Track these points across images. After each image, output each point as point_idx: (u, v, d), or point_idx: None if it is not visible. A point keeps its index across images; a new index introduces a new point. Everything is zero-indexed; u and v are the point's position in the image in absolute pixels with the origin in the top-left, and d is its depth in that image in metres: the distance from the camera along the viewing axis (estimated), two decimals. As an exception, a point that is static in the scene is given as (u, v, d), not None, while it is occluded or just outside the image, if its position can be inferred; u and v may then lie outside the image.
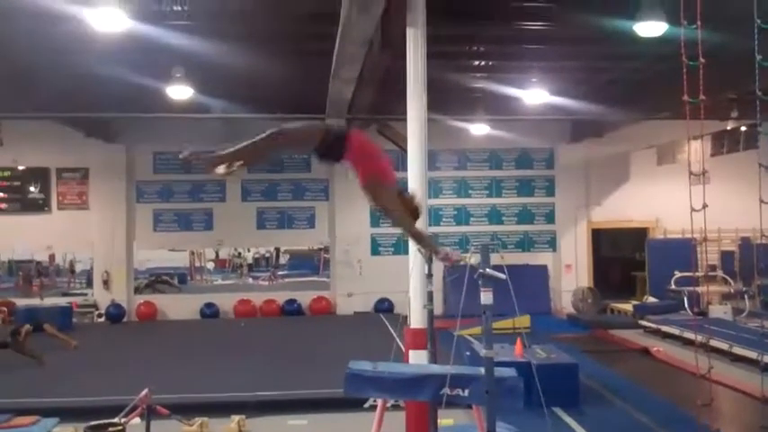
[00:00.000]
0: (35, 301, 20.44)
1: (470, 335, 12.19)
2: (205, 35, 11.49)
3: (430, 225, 8.42)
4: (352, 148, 5.07)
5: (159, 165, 21.19)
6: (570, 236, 21.83)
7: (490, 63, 14.56)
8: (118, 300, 20.63)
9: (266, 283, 28.73)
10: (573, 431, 8.67)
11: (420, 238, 5.66)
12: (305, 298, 21.57)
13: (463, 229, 21.55)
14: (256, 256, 34.57)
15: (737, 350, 13.17)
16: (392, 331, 15.08)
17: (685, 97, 7.77)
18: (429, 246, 5.63)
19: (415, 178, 8.02)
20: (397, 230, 5.74)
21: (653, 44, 11.35)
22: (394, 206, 5.19)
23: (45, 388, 11.40)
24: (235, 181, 21.25)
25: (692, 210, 7.84)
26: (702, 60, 7.60)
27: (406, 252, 8.37)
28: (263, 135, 5.08)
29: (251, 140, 5.14)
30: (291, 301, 21.37)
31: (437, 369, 5.96)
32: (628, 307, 19.51)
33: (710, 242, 17.02)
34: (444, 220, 21.52)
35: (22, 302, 19.43)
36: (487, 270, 4.57)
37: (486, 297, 4.62)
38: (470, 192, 21.82)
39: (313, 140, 5.08)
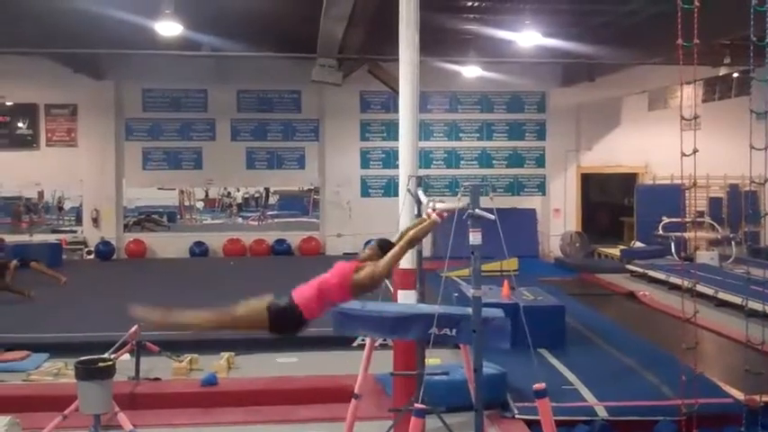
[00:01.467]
0: (24, 238, 20.41)
1: (458, 276, 12.30)
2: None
3: (420, 167, 8.40)
4: (306, 307, 4.92)
5: (148, 102, 21.01)
6: (560, 180, 21.87)
7: (483, 4, 14.43)
8: (107, 237, 20.63)
9: (256, 223, 28.78)
10: (559, 372, 8.78)
11: (416, 239, 5.43)
12: (294, 238, 21.63)
13: (453, 171, 21.54)
14: (246, 196, 34.55)
15: (723, 295, 13.35)
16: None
17: (679, 41, 7.72)
18: (424, 233, 5.39)
19: (406, 120, 7.97)
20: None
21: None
22: (380, 270, 5.06)
23: (35, 324, 11.48)
24: (224, 120, 21.13)
25: (682, 155, 7.85)
26: (697, 3, 7.54)
27: (396, 194, 8.37)
28: (211, 317, 5.01)
29: (198, 315, 5.06)
30: (281, 241, 21.43)
31: (425, 308, 6.03)
32: (615, 251, 19.69)
33: (699, 188, 17.07)
34: (435, 162, 21.50)
35: (11, 239, 19.39)
36: (476, 211, 4.59)
37: (474, 238, 4.66)
38: (461, 135, 21.76)
39: (261, 323, 4.98)
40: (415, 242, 5.39)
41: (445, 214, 5.08)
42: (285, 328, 4.88)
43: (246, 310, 5.02)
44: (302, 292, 4.89)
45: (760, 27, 7.65)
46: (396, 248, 5.03)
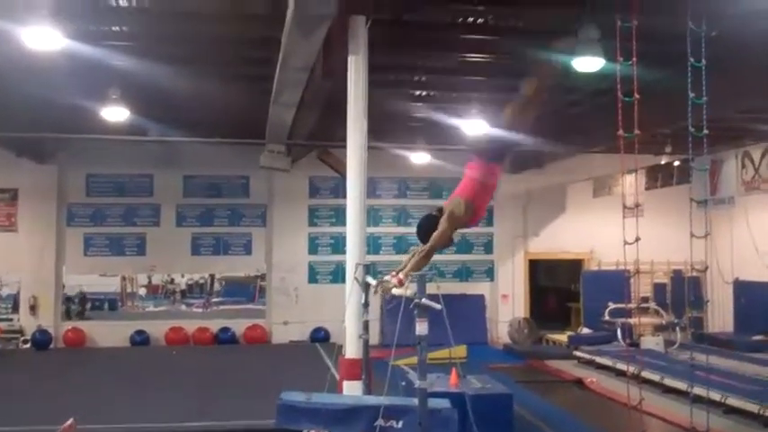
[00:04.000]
0: (-42, 326, 19.70)
1: (406, 365, 12.10)
2: (144, 57, 11.28)
3: (369, 253, 8.35)
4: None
5: (92, 187, 20.71)
6: (508, 266, 21.96)
7: (432, 93, 14.65)
8: (45, 325, 20.00)
9: (200, 310, 28.20)
10: (507, 463, 8.62)
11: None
12: (239, 326, 21.25)
13: (403, 257, 21.38)
14: (190, 282, 33.95)
15: (668, 381, 13.34)
16: (327, 361, 14.94)
17: (620, 132, 7.87)
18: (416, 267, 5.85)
19: (353, 206, 7.95)
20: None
21: (590, 79, 11.53)
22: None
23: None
24: (170, 205, 20.91)
25: (626, 242, 7.92)
26: (637, 96, 7.72)
27: (343, 281, 8.28)
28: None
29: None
30: (225, 330, 21.04)
31: (371, 400, 5.86)
32: (563, 338, 19.68)
33: (643, 274, 17.32)
34: (384, 248, 21.46)
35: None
36: (423, 300, 4.51)
37: (421, 327, 4.56)
38: (410, 220, 21.80)
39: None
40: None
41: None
42: None
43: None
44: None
45: (698, 118, 7.86)
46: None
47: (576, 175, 20.61)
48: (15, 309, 20.87)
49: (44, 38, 9.48)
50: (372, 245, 19.91)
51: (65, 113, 14.74)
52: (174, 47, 11.28)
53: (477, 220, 6.53)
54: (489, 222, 22.03)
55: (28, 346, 19.88)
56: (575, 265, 22.48)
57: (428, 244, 6.22)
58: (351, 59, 8.25)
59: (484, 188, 6.44)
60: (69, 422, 8.32)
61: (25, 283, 20.42)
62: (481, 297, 21.73)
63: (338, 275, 20.11)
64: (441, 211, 6.38)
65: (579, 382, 14.88)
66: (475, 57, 12.09)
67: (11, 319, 20.72)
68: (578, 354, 17.49)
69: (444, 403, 5.57)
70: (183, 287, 33.65)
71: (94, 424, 9.27)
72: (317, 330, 20.39)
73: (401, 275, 5.63)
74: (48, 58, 10.68)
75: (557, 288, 24.55)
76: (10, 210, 20.33)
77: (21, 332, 20.14)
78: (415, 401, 4.89)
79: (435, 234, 6.26)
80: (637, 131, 7.72)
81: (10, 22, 9.36)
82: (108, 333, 20.89)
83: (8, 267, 20.47)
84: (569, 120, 15.98)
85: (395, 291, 5.15)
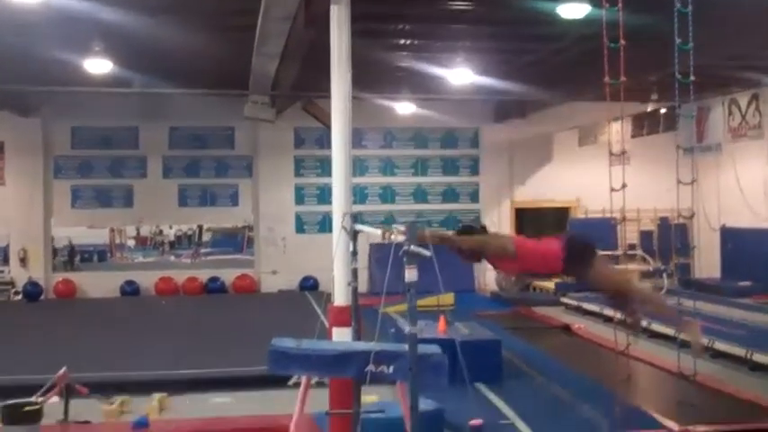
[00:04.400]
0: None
1: (396, 312, 12.25)
2: (126, 7, 11.16)
3: (355, 203, 8.40)
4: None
5: (77, 140, 20.66)
6: (494, 215, 22.08)
7: (416, 42, 14.55)
8: (35, 277, 20.09)
9: (188, 260, 28.37)
10: (495, 406, 8.78)
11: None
12: (228, 276, 21.37)
13: (389, 207, 21.61)
14: (178, 233, 34.09)
15: (655, 327, 13.52)
16: (317, 309, 15.09)
17: (606, 79, 7.88)
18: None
19: (339, 156, 7.96)
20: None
21: (575, 25, 11.51)
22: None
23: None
24: (156, 157, 20.87)
25: (612, 189, 7.99)
26: (623, 42, 7.71)
27: (331, 230, 8.33)
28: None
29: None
30: (214, 279, 21.16)
31: (361, 346, 5.95)
32: (550, 285, 19.87)
33: (630, 222, 17.41)
34: (370, 198, 21.53)
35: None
36: (412, 247, 4.57)
37: (410, 274, 4.62)
38: (396, 170, 21.87)
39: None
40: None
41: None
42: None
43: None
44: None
45: (685, 64, 7.88)
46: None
47: (562, 124, 20.65)
48: (6, 261, 20.99)
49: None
50: (359, 195, 19.99)
51: (48, 66, 14.60)
52: (157, -3, 11.17)
53: (496, 267, 6.62)
54: (474, 172, 22.12)
55: (19, 297, 20.00)
56: (561, 214, 22.60)
57: (457, 237, 6.29)
58: (333, 8, 8.17)
59: (536, 263, 6.51)
60: (62, 371, 8.41)
61: (14, 235, 20.46)
62: (468, 245, 21.85)
63: (325, 225, 20.18)
64: (484, 228, 6.45)
65: (566, 328, 15.08)
66: (459, 4, 12.02)
67: (2, 271, 20.86)
68: (565, 300, 17.71)
69: (435, 349, 5.66)
70: (172, 238, 33.86)
71: (87, 372, 9.36)
72: (306, 279, 20.55)
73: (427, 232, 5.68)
74: (29, 10, 10.58)
75: (544, 236, 24.67)
76: (-4, 163, 20.29)
77: (12, 284, 20.27)
78: (406, 347, 4.98)
79: (466, 238, 6.28)
80: (623, 78, 7.74)
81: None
82: (98, 284, 20.99)
83: (-3, 220, 20.51)
84: (554, 68, 15.95)
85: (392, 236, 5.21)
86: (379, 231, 5.24)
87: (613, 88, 7.77)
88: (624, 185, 7.74)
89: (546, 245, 6.65)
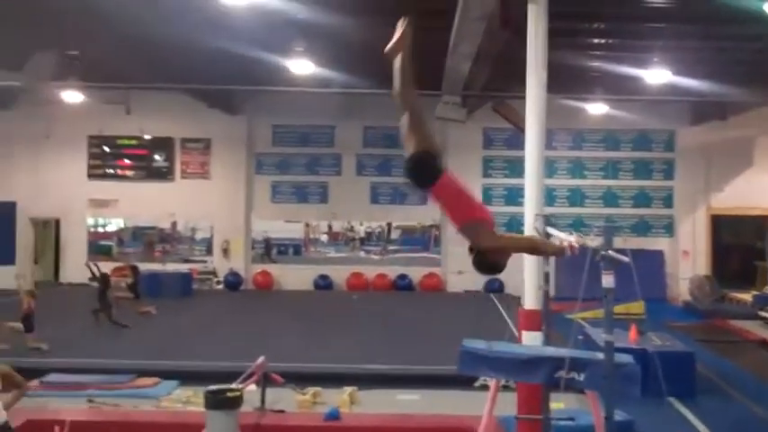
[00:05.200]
0: (157, 267, 21.24)
1: (582, 318, 12.04)
2: (327, 8, 11.61)
3: (546, 206, 8.31)
4: (441, 184, 4.83)
5: (278, 137, 21.71)
6: (689, 221, 21.20)
7: (610, 41, 14.21)
8: (236, 268, 21.31)
9: (377, 257, 29.01)
10: (689, 423, 8.46)
11: (540, 252, 5.47)
12: (416, 274, 21.74)
13: (577, 210, 21.21)
14: (368, 230, 34.95)
15: None
16: (503, 311, 15.04)
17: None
18: (552, 252, 5.35)
19: (532, 158, 7.92)
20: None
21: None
22: (497, 244, 4.95)
23: (166, 351, 11.89)
24: (350, 155, 21.54)
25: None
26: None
27: (518, 232, 8.31)
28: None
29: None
30: (403, 276, 21.59)
31: (553, 351, 5.91)
32: (747, 297, 18.83)
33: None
34: (558, 200, 21.22)
35: (144, 267, 20.24)
36: (610, 252, 4.49)
37: (607, 280, 4.54)
38: (585, 173, 21.43)
39: (420, 139, 4.88)
40: (532, 250, 5.38)
41: (577, 251, 4.97)
42: (416, 169, 4.78)
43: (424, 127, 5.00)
44: (448, 179, 4.74)
45: None
46: (514, 238, 5.11)
47: (764, 128, 19.50)
48: (209, 252, 22.30)
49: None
50: (548, 197, 19.71)
51: (253, 67, 15.43)
52: (356, -1, 11.53)
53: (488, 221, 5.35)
54: (669, 176, 21.33)
55: (221, 287, 21.23)
56: (761, 222, 21.32)
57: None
58: (531, 8, 8.12)
59: (459, 200, 5.31)
60: (261, 360, 8.85)
61: (218, 227, 21.83)
62: (660, 252, 21.10)
63: (512, 226, 20.04)
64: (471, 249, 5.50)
65: (764, 343, 14.26)
66: (657, 2, 11.65)
67: (205, 261, 22.20)
68: (764, 314, 16.72)
69: (628, 358, 5.54)
70: (362, 234, 34.77)
71: (283, 362, 9.79)
72: (492, 281, 20.50)
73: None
74: (236, 13, 11.23)
75: (741, 245, 23.37)
76: (204, 158, 21.67)
77: (214, 273, 21.58)
78: (599, 355, 4.91)
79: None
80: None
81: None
82: (293, 277, 21.98)
83: (202, 213, 21.90)
84: (757, 67, 15.08)
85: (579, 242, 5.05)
86: (573, 238, 5.08)
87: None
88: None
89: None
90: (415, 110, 4.91)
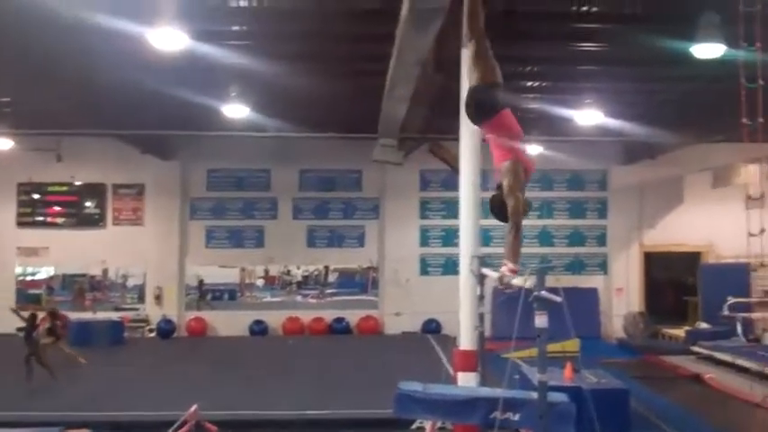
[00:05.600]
0: (87, 315, 20.69)
1: (519, 358, 12.07)
2: (262, 55, 11.63)
3: (482, 246, 8.37)
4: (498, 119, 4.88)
5: (213, 182, 21.51)
6: (622, 259, 21.56)
7: (544, 84, 14.49)
8: (169, 315, 20.89)
9: (314, 300, 28.77)
10: (624, 459, 8.51)
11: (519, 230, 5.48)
12: (353, 317, 21.62)
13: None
14: (305, 273, 34.68)
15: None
16: (440, 353, 15.03)
17: (744, 119, 7.66)
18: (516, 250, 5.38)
19: (467, 199, 8.00)
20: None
21: (710, 66, 11.19)
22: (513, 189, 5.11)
23: (97, 401, 11.56)
24: (286, 199, 21.45)
25: (749, 234, 7.71)
26: (761, 82, 7.49)
27: (456, 273, 8.33)
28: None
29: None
30: (339, 320, 21.45)
31: (488, 392, 5.91)
32: (680, 332, 19.18)
33: (766, 267, 16.71)
34: (495, 240, 21.37)
35: (74, 316, 19.72)
36: (543, 292, 4.53)
37: (540, 320, 4.58)
38: (521, 213, 21.65)
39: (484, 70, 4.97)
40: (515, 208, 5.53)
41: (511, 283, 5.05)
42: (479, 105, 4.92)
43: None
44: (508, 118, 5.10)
45: (828, 105, 7.57)
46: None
47: (693, 166, 20.04)
48: (141, 299, 21.85)
49: (170, 38, 9.94)
50: (484, 237, 19.81)
51: (187, 111, 15.27)
52: (291, 44, 11.57)
53: (530, 171, 5.63)
54: (602, 215, 21.71)
55: (153, 334, 20.77)
56: (692, 259, 21.81)
57: (510, 221, 5.56)
58: (464, 52, 8.27)
59: (511, 139, 5.49)
60: (193, 408, 8.68)
61: (151, 274, 21.39)
62: (594, 290, 21.40)
63: (449, 267, 20.20)
64: (500, 187, 5.63)
65: (698, 378, 14.49)
66: (590, 46, 11.91)
67: (137, 309, 21.72)
68: (696, 349, 17.03)
69: (562, 397, 5.57)
70: (299, 278, 34.45)
71: (216, 410, 9.61)
72: (429, 322, 20.54)
73: (511, 265, 5.37)
74: (172, 59, 11.15)
75: (673, 282, 23.86)
76: (137, 204, 21.33)
77: (146, 321, 21.10)
78: (533, 395, 4.92)
79: (512, 208, 5.50)
80: (761, 119, 7.50)
81: (138, 23, 9.84)
82: (228, 322, 21.65)
83: (134, 259, 21.46)
84: (686, 109, 15.54)
85: (514, 281, 5.11)
86: (505, 269, 5.11)
87: (750, 129, 7.53)
88: (763, 230, 7.47)
89: (491, 139, 5.76)
90: (481, 40, 5.03)
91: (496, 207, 5.39)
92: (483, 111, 5.08)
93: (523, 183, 5.32)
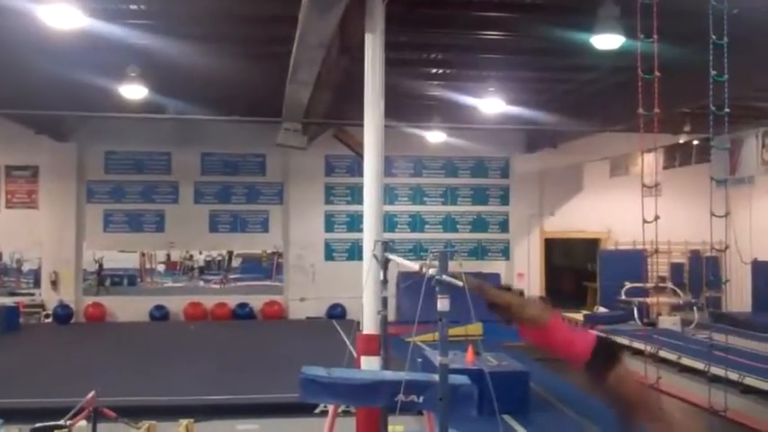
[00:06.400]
0: (-20, 301, 19.95)
1: (423, 341, 12.18)
2: (162, 35, 11.34)
3: (385, 231, 8.39)
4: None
5: (111, 164, 20.87)
6: (523, 245, 21.99)
7: (448, 71, 14.62)
8: (66, 300, 20.24)
9: (217, 286, 28.47)
10: (523, 439, 8.70)
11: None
12: (257, 302, 21.40)
13: (417, 236, 21.59)
14: (208, 259, 34.25)
15: (685, 361, 13.37)
16: (344, 337, 15.03)
17: (640, 110, 7.87)
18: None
19: (370, 184, 7.98)
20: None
21: (609, 57, 11.48)
22: None
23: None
24: (188, 183, 21.04)
25: (644, 221, 7.94)
26: (657, 74, 7.71)
27: (360, 258, 8.33)
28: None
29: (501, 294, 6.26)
30: (243, 305, 21.20)
31: (392, 375, 5.93)
32: (578, 316, 19.69)
33: (661, 254, 17.27)
34: (399, 226, 21.52)
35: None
36: (445, 277, 4.55)
37: (442, 304, 4.60)
38: (425, 199, 21.87)
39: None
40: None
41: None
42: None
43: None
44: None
45: (719, 96, 7.84)
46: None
47: (592, 155, 20.58)
48: (37, 284, 21.17)
49: (64, 16, 9.55)
50: (388, 223, 19.97)
51: (84, 91, 14.80)
52: (193, 25, 11.34)
53: (521, 332, 6.46)
54: (505, 201, 22.08)
55: (50, 320, 20.12)
56: (591, 245, 22.48)
57: (494, 290, 6.27)
58: (368, 37, 8.24)
59: (559, 349, 6.35)
60: (91, 395, 8.43)
61: (46, 258, 20.67)
62: (497, 275, 21.73)
63: (354, 253, 20.23)
64: (510, 288, 6.41)
65: (595, 360, 14.88)
66: (492, 34, 12.06)
67: (32, 294, 21.02)
68: (594, 332, 17.51)
69: (464, 379, 5.63)
70: (202, 263, 34.02)
71: (115, 396, 9.38)
72: (334, 307, 20.53)
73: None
74: (67, 37, 10.75)
75: (573, 267, 24.55)
76: (31, 187, 20.55)
77: (42, 306, 20.38)
78: (436, 377, 4.95)
79: (503, 293, 6.27)
80: (656, 110, 7.72)
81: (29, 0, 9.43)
82: (128, 308, 21.07)
83: (29, 243, 20.77)
84: (587, 98, 15.93)
85: (415, 267, 5.16)
86: (412, 264, 5.20)
87: (647, 119, 7.74)
88: (657, 217, 7.70)
89: (577, 339, 6.53)
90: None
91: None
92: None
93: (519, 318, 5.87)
